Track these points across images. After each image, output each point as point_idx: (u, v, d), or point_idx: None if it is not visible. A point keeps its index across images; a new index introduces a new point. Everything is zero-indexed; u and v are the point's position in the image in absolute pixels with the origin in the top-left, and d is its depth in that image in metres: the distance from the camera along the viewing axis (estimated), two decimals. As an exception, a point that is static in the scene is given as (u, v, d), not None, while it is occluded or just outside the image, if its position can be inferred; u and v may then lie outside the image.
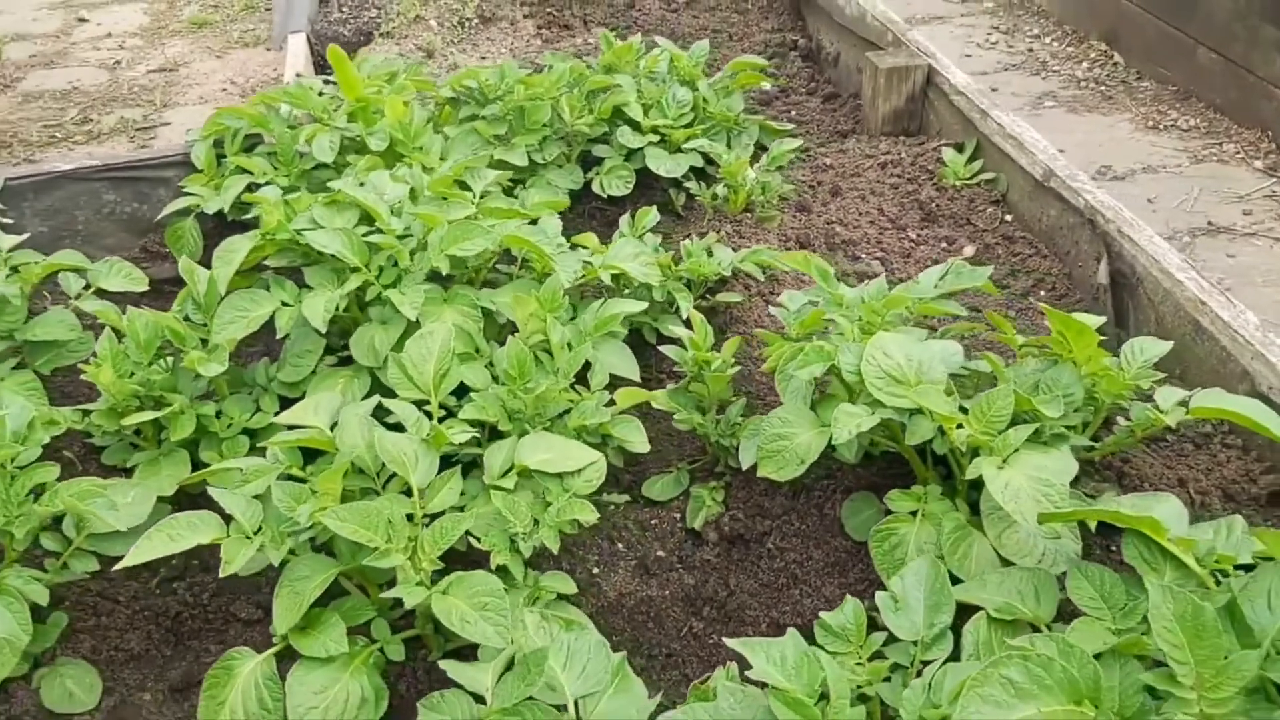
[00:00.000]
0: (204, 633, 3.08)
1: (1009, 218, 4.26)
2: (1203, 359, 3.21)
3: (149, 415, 3.07)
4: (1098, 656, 2.03)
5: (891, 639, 2.30)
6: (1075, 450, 2.83)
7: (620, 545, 3.25)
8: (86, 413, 3.22)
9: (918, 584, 2.32)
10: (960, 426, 2.67)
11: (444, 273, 3.18)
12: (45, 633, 2.85)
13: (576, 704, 2.06)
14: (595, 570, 3.14)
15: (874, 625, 2.38)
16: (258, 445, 3.19)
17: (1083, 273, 3.78)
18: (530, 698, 2.01)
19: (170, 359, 3.29)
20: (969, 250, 4.16)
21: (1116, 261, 3.57)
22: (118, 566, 2.51)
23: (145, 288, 3.71)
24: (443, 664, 2.21)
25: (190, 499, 3.13)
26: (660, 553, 3.20)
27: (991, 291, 3.34)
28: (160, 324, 3.20)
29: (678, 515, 3.31)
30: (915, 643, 2.25)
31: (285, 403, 3.29)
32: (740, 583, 3.09)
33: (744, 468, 3.00)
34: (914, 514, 2.74)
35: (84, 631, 3.00)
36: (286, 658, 2.50)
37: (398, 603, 2.72)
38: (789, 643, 2.11)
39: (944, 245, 4.22)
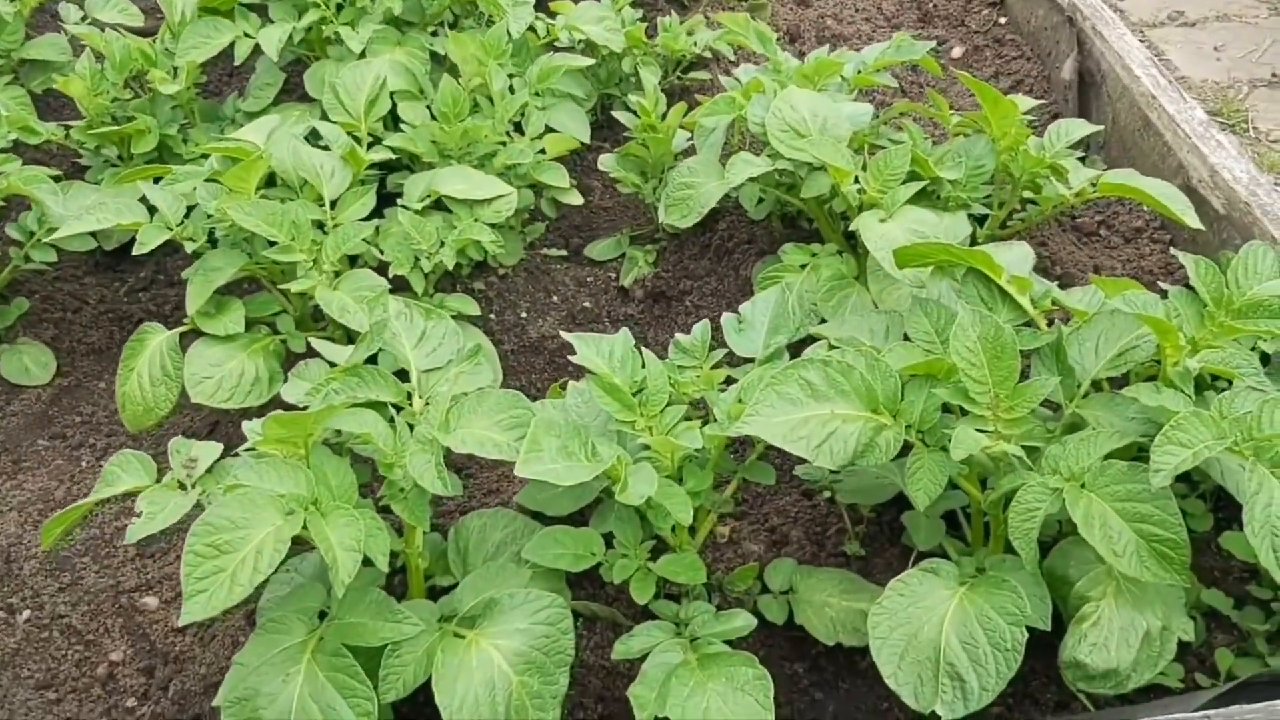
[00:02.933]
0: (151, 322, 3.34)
1: (1003, 20, 4.16)
2: (1146, 154, 3.16)
3: (115, 129, 3.26)
4: (911, 378, 2.11)
5: (735, 359, 2.40)
6: (987, 224, 2.86)
7: (555, 297, 3.39)
8: (68, 129, 3.43)
9: (765, 308, 2.41)
10: (856, 182, 2.71)
11: (396, 13, 3.26)
12: (5, 313, 3.13)
13: (419, 376, 2.22)
14: (524, 315, 3.30)
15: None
16: (219, 170, 3.38)
17: (1058, 74, 3.70)
18: (371, 362, 2.18)
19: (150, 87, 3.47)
20: (957, 51, 4.08)
21: (1085, 59, 3.49)
22: (52, 238, 2.74)
23: (140, 22, 3.86)
24: (313, 341, 2.39)
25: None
26: (588, 304, 3.33)
27: (932, 69, 3.30)
28: (134, 47, 3.36)
29: (613, 275, 3.43)
30: (752, 360, 2.36)
31: (247, 133, 3.45)
32: (657, 335, 3.21)
33: (660, 220, 3.08)
34: (803, 266, 2.81)
35: (49, 322, 3.27)
36: (196, 338, 2.72)
37: (317, 312, 2.93)
38: (619, 339, 2.23)
39: (934, 46, 4.14)
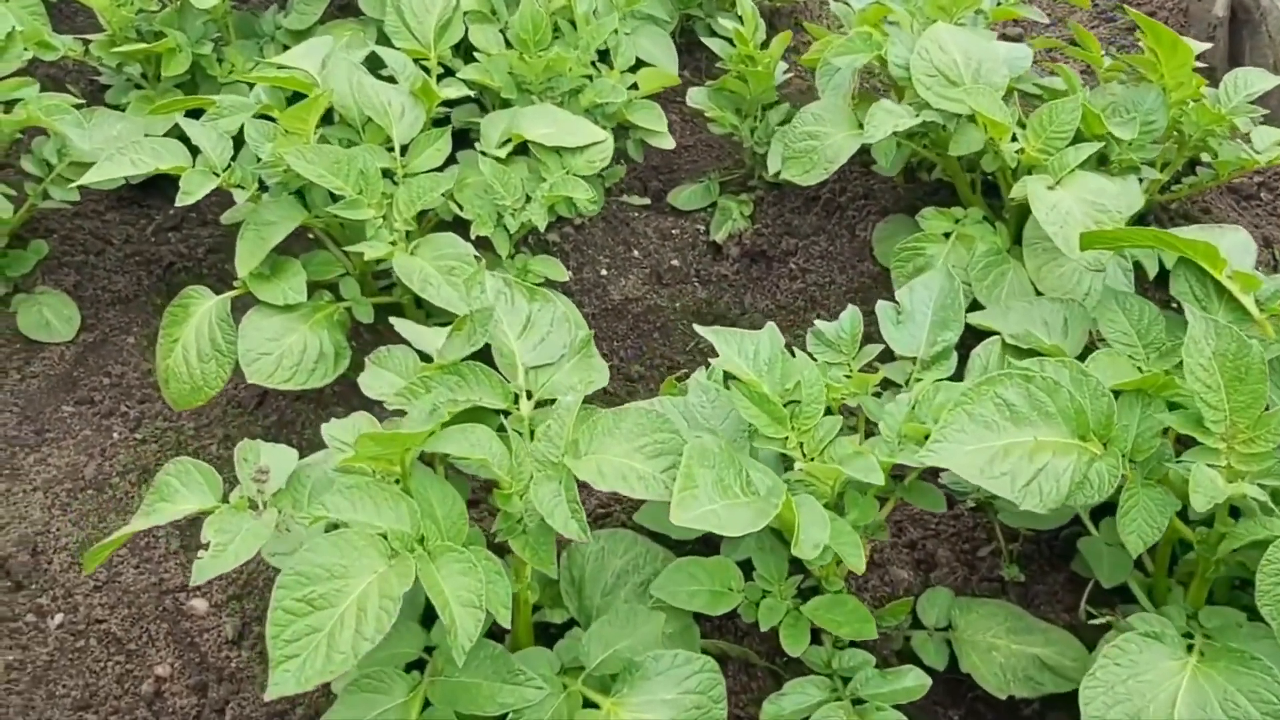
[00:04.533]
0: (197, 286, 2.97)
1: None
2: (1321, 108, 2.78)
3: (142, 46, 2.85)
4: (1116, 394, 1.77)
5: (890, 355, 2.06)
6: (1147, 187, 2.48)
7: (636, 251, 3.02)
8: (87, 43, 3.01)
9: (926, 298, 2.06)
10: (1014, 140, 2.33)
11: (467, -80, 2.83)
12: (22, 259, 2.75)
13: (527, 374, 1.88)
14: (604, 272, 2.93)
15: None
16: (259, 95, 2.97)
17: (1200, 7, 3.28)
18: (473, 359, 1.83)
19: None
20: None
21: (1244, -9, 3.07)
22: (77, 182, 2.36)
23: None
24: (394, 321, 2.03)
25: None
26: (676, 262, 2.96)
27: (1081, 4, 2.89)
28: (160, -49, 2.93)
29: (701, 227, 3.06)
30: (913, 360, 2.01)
31: (290, 54, 3.04)
32: (756, 301, 2.85)
33: (770, 173, 2.70)
34: (948, 235, 2.44)
35: (70, 266, 2.90)
36: (249, 303, 2.36)
37: (381, 271, 2.56)
38: (765, 337, 1.88)
39: (1050, -34, 3.70)
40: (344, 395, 2.52)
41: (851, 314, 2.05)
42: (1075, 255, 2.12)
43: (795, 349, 1.91)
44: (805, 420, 1.82)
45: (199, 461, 1.77)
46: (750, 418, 1.79)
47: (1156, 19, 3.39)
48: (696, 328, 1.96)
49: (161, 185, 2.97)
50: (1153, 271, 2.34)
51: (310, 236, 2.56)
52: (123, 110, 3.01)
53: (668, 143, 2.82)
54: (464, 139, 2.73)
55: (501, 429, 1.76)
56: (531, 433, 1.76)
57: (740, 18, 3.09)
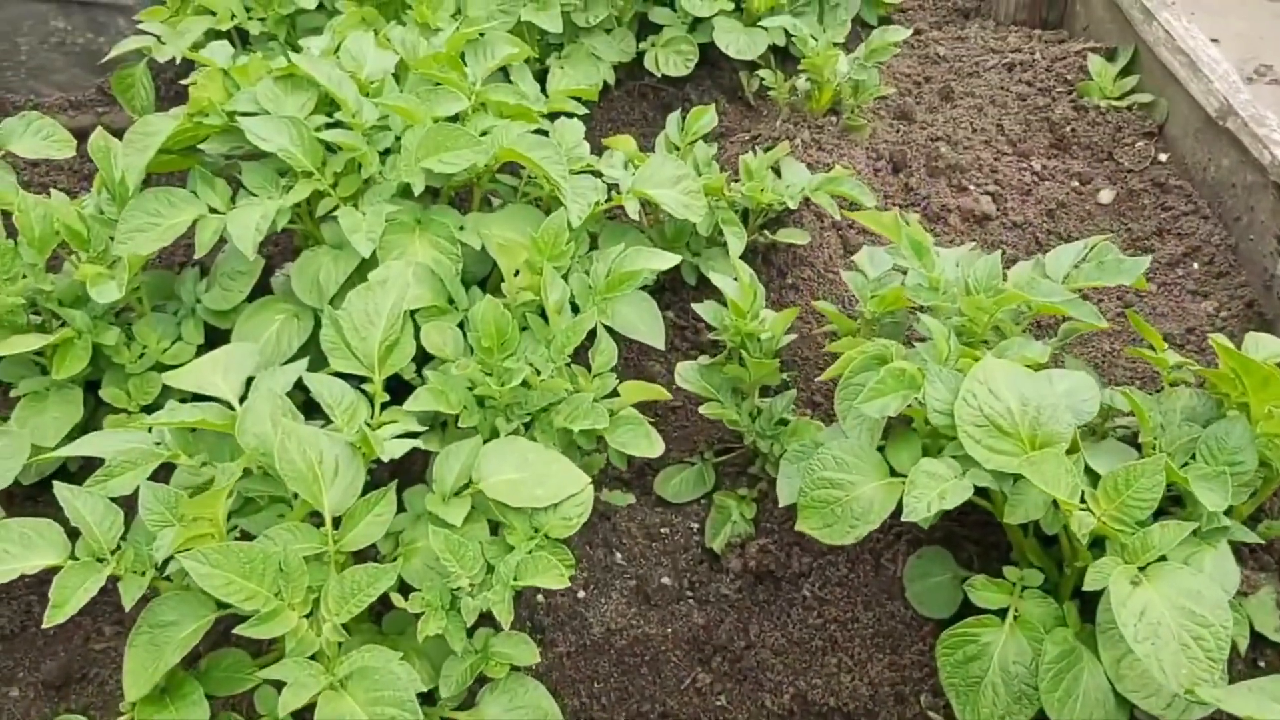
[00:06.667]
0: (99, 606, 2.48)
1: (1164, 158, 3.34)
2: None
3: (31, 341, 2.39)
4: None
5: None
6: (1234, 542, 2.07)
7: (619, 556, 2.57)
8: (-32, 318, 2.55)
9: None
10: (1083, 507, 1.91)
11: (418, 191, 2.40)
12: (-126, 617, 2.27)
13: None
14: (581, 594, 2.48)
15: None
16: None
17: (1254, 248, 2.91)
18: None
19: (75, 258, 2.59)
20: (1106, 195, 3.27)
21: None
22: (-80, 587, 1.88)
23: (71, 153, 2.97)
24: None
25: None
26: (667, 578, 2.52)
27: (1141, 288, 2.51)
28: (58, 218, 2.48)
29: (695, 526, 2.62)
30: None
31: (211, 333, 2.60)
32: (764, 634, 2.41)
33: (781, 503, 2.27)
34: (1003, 613, 2.01)
35: (-61, 604, 2.42)
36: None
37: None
38: None
39: (1075, 184, 3.33)
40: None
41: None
42: (1175, 688, 1.69)
43: None
44: None
45: None
46: None
47: (1200, 255, 3.03)
48: None
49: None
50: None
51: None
52: (12, 401, 2.56)
53: (655, 451, 2.39)
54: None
55: None
56: None
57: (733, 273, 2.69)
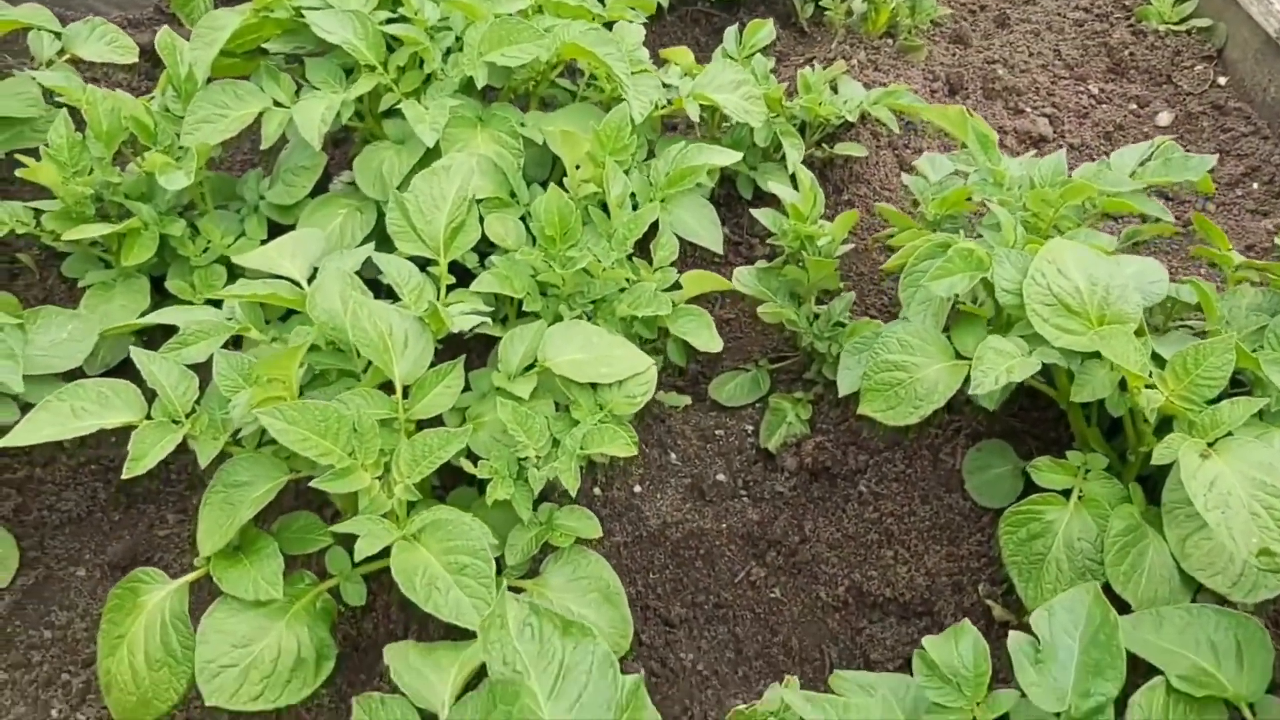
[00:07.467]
0: (162, 495, 2.54)
1: (1223, 81, 3.31)
2: None
3: (99, 229, 2.43)
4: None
5: (1024, 700, 1.62)
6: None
7: (674, 457, 2.59)
8: (39, 215, 2.59)
9: (1071, 625, 1.62)
10: (1150, 386, 1.90)
11: (480, 85, 2.42)
12: (-52, 491, 2.33)
13: (561, 749, 1.44)
14: (637, 489, 2.50)
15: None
16: (240, 275, 2.55)
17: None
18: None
19: (140, 159, 2.63)
20: (1164, 118, 3.24)
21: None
22: (3, 442, 1.92)
23: (133, 59, 3.01)
24: (387, 654, 1.60)
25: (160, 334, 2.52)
26: (722, 475, 2.53)
27: (1206, 190, 2.49)
28: (125, 112, 2.52)
29: (749, 428, 2.63)
30: (1058, 714, 1.57)
31: (274, 230, 2.62)
32: (819, 528, 2.42)
33: (841, 393, 2.28)
34: (1066, 494, 2.01)
35: (10, 485, 2.47)
36: (213, 587, 1.92)
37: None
38: (875, 709, 1.44)
39: (1133, 108, 3.30)
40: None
41: (974, 642, 1.61)
42: (1245, 555, 1.68)
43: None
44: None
45: None
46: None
47: (1259, 175, 3.00)
48: (784, 693, 1.52)
49: (127, 368, 2.56)
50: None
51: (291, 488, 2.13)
52: (79, 291, 2.60)
53: (715, 346, 2.40)
54: (474, 341, 2.32)
55: None
56: None
57: (794, 178, 2.70)
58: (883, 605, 2.30)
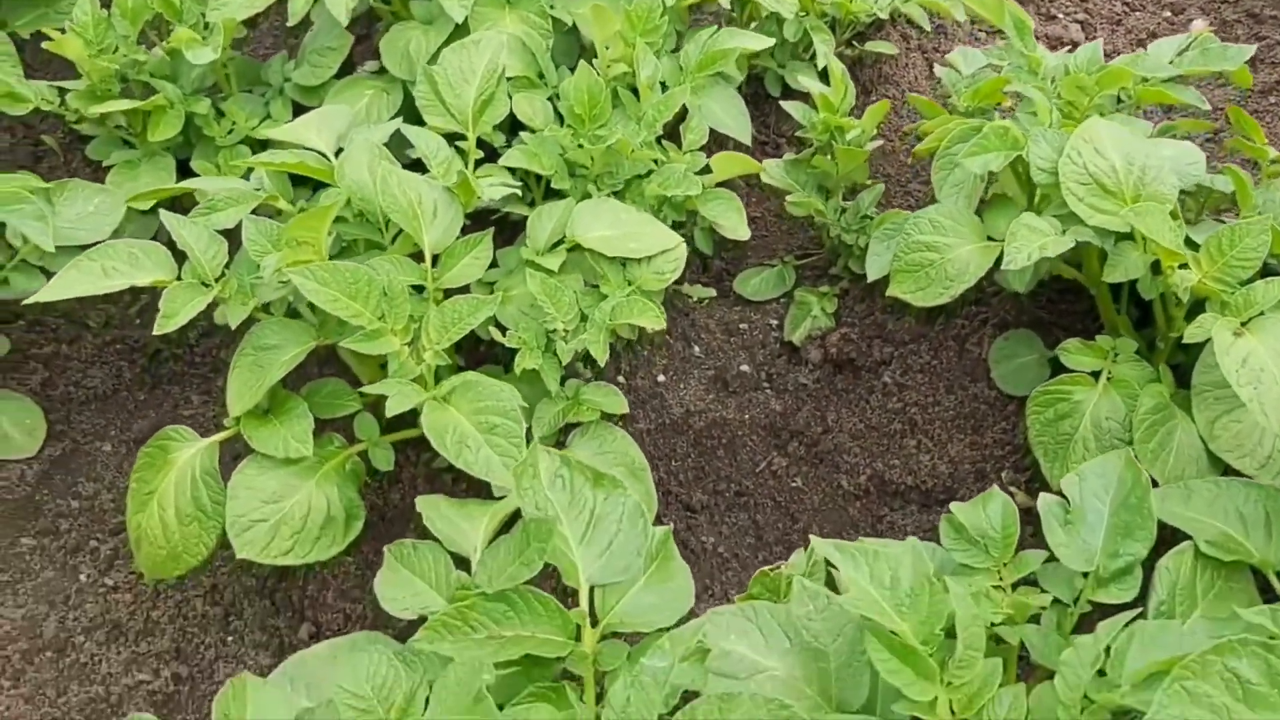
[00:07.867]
0: (187, 377, 2.55)
1: (1262, -12, 3.25)
2: None
3: (125, 104, 2.42)
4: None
5: (1052, 561, 1.62)
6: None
7: (697, 349, 2.58)
8: (64, 93, 2.58)
9: (1101, 490, 1.62)
10: (1184, 266, 1.89)
11: (510, -37, 2.39)
12: (-29, 354, 2.34)
13: (592, 594, 1.46)
14: (661, 378, 2.50)
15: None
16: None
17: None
18: (527, 582, 1.41)
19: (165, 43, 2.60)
20: (1199, 24, 3.19)
21: None
22: (28, 300, 1.92)
23: (156, -56, 2.97)
24: (420, 504, 1.61)
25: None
26: (745, 366, 2.53)
27: (1244, 83, 2.45)
28: (151, -11, 2.49)
29: (774, 322, 2.62)
30: (1086, 574, 1.58)
31: (300, 111, 2.60)
32: (841, 419, 2.42)
33: (870, 278, 2.27)
34: (1096, 375, 2.01)
35: (37, 360, 2.49)
36: (241, 446, 1.94)
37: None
38: (907, 555, 1.45)
39: (1167, 15, 3.25)
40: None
41: (1003, 505, 1.62)
42: (1276, 429, 1.68)
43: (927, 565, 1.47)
44: (958, 671, 1.39)
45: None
46: (889, 673, 1.36)
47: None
48: (814, 540, 1.54)
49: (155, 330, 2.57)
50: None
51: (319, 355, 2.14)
52: (105, 170, 2.59)
53: (743, 234, 2.39)
54: (501, 224, 2.31)
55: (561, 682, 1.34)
56: (599, 694, 1.34)
57: (823, 75, 2.67)
58: (904, 493, 2.31)
